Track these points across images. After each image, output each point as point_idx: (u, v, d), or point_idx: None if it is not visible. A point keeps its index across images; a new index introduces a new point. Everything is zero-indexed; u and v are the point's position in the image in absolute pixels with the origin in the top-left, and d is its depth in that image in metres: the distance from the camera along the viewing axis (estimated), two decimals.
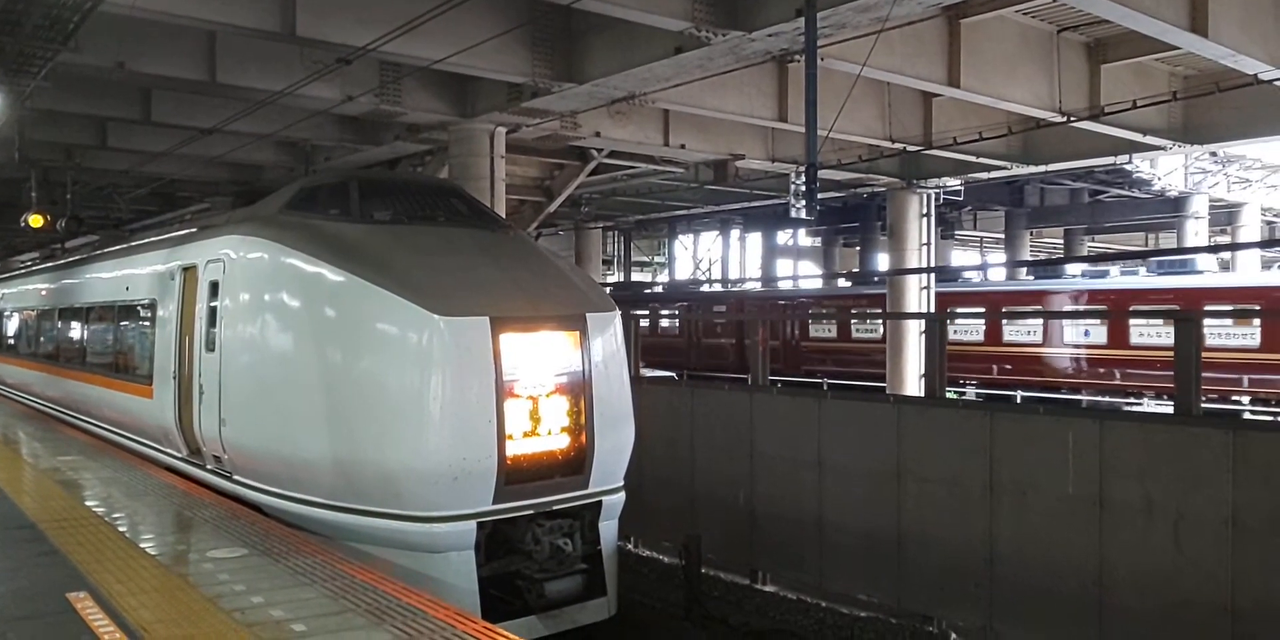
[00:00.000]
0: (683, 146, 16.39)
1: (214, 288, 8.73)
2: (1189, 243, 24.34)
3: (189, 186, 21.77)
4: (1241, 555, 7.33)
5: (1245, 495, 7.31)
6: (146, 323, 10.59)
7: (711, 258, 41.22)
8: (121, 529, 6.76)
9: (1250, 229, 26.36)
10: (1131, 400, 19.11)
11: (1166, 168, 22.75)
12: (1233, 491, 7.37)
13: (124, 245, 13.35)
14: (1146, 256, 24.53)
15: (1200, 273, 19.28)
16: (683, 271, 42.28)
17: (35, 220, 15.68)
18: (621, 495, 8.12)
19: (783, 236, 37.75)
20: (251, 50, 11.93)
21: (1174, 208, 25.22)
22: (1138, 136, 15.11)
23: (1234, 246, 24.25)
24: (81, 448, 10.68)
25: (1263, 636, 7.22)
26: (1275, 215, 30.33)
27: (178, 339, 9.43)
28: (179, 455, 9.47)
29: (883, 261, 25.10)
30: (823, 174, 17.88)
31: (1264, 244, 24.52)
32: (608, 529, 7.98)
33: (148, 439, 10.34)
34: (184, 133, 14.88)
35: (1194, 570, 7.59)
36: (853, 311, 24.91)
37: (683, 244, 41.77)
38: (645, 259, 45.24)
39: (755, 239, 38.48)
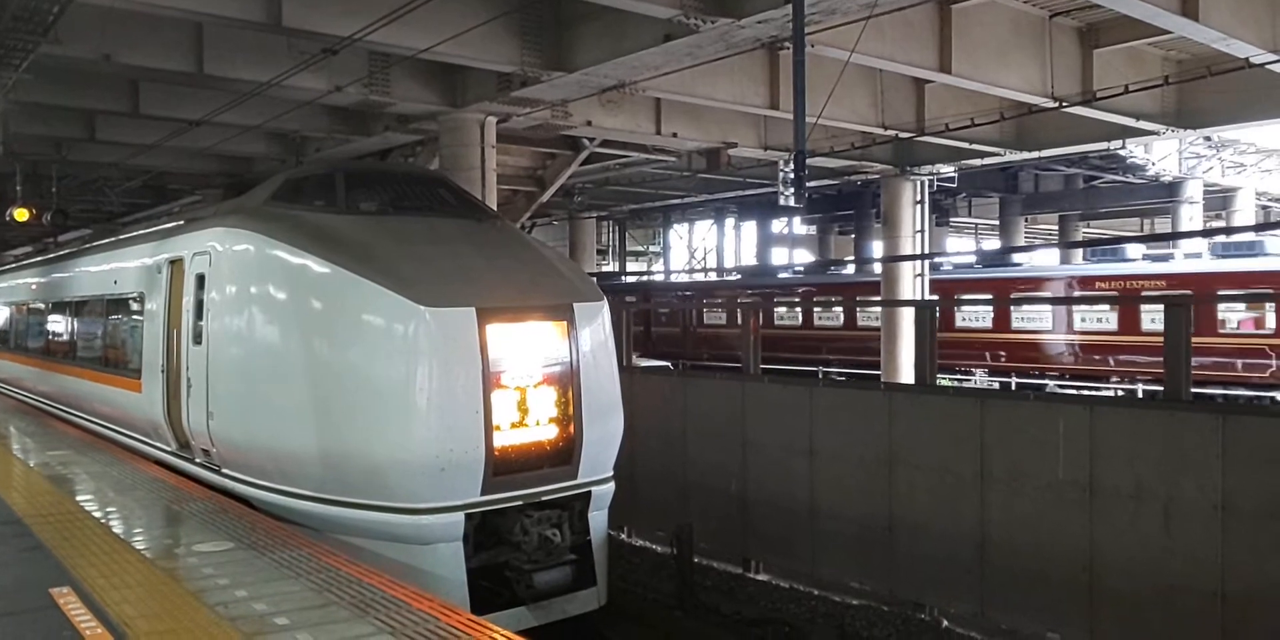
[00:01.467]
0: (674, 135, 16.31)
1: (200, 280, 8.70)
2: (1184, 228, 24.32)
3: (180, 179, 21.68)
4: (1231, 540, 7.34)
5: (1234, 480, 7.30)
6: (134, 316, 10.55)
7: (707, 247, 41.18)
8: (108, 523, 6.74)
9: (1245, 213, 26.36)
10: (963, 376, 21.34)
11: (1160, 153, 22.72)
12: (1222, 476, 7.36)
13: (112, 239, 13.29)
14: (1142, 241, 24.56)
15: (1019, 265, 22.73)
16: (678, 261, 42.22)
17: (20, 214, 15.61)
18: (611, 485, 8.10)
19: (778, 225, 37.70)
20: (239, 41, 11.85)
21: (1169, 193, 25.21)
22: (1131, 121, 15.07)
23: (1229, 230, 24.22)
24: (71, 442, 10.65)
25: (1252, 620, 7.23)
26: (1270, 200, 30.31)
27: (165, 332, 9.40)
28: (168, 449, 9.45)
29: (877, 249, 25.14)
30: (816, 162, 18.01)
31: (1258, 227, 24.48)
32: (597, 519, 7.97)
33: (137, 433, 10.32)
34: (173, 125, 14.80)
35: (1184, 555, 7.60)
36: (739, 301, 27.93)
37: (677, 233, 41.70)
38: (640, 248, 45.16)
39: (751, 227, 38.44)
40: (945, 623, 9.27)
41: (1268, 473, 7.16)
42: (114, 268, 11.69)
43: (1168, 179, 24.54)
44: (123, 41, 11.27)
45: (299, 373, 7.41)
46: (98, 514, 7.02)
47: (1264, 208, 31.17)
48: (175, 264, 9.40)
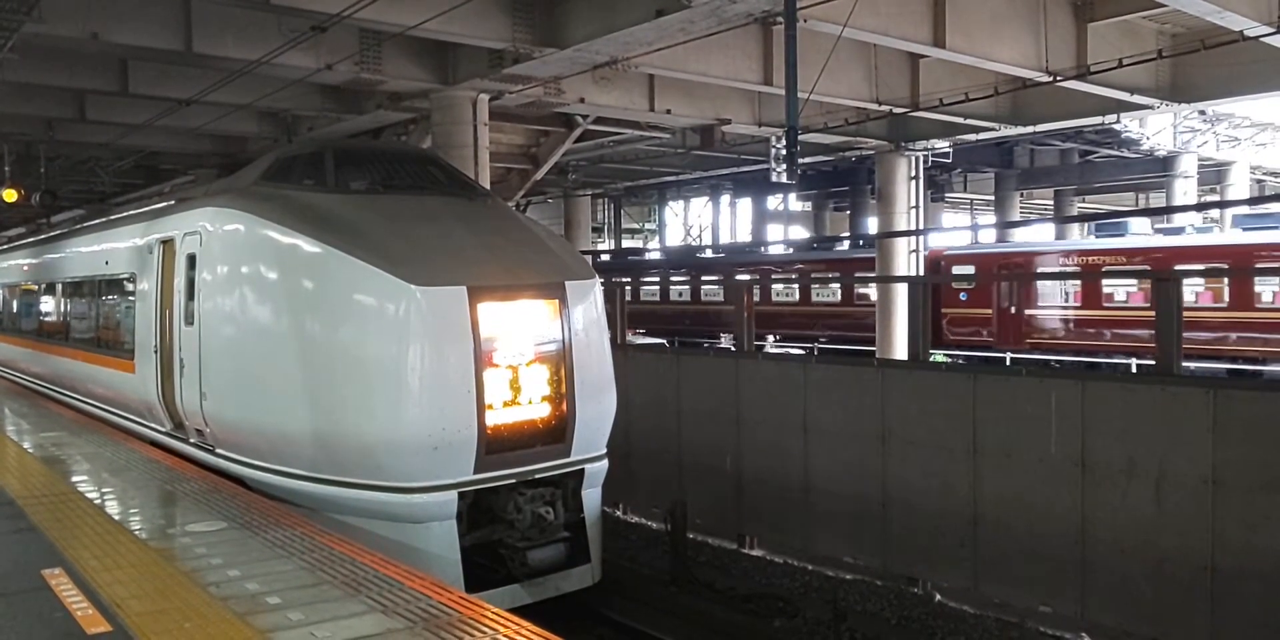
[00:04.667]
0: (668, 112, 16.23)
1: (191, 261, 8.67)
2: (1178, 202, 24.29)
3: (173, 159, 21.58)
4: (1221, 513, 7.37)
5: (1224, 454, 7.33)
6: (127, 297, 10.53)
7: (702, 224, 41.10)
8: (101, 504, 6.76)
9: (1238, 188, 26.33)
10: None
11: (1155, 127, 22.65)
12: (1212, 450, 7.39)
13: (103, 219, 13.24)
14: (1136, 216, 24.57)
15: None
16: (673, 238, 42.14)
17: (8, 194, 15.55)
18: (604, 463, 8.13)
19: (773, 202, 37.59)
20: (228, 19, 11.76)
21: (1163, 167, 25.17)
22: (1125, 96, 14.99)
23: (1222, 204, 24.20)
24: (65, 424, 10.66)
25: (1241, 593, 7.28)
26: (1265, 173, 30.25)
27: (158, 313, 9.38)
28: (162, 430, 9.46)
29: (872, 225, 25.16)
30: (811, 138, 17.94)
31: (1251, 201, 24.46)
32: (591, 497, 8.01)
33: (131, 414, 10.33)
34: (164, 104, 14.70)
35: (1174, 528, 7.63)
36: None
37: (673, 210, 41.60)
38: (636, 226, 45.07)
39: (746, 204, 38.34)
40: (938, 597, 9.33)
41: (1257, 446, 7.19)
42: (105, 248, 11.65)
43: (1162, 153, 24.49)
44: (110, 19, 11.18)
45: (291, 352, 7.40)
46: (91, 495, 7.03)
47: (1259, 181, 31.13)
48: (166, 244, 9.36)
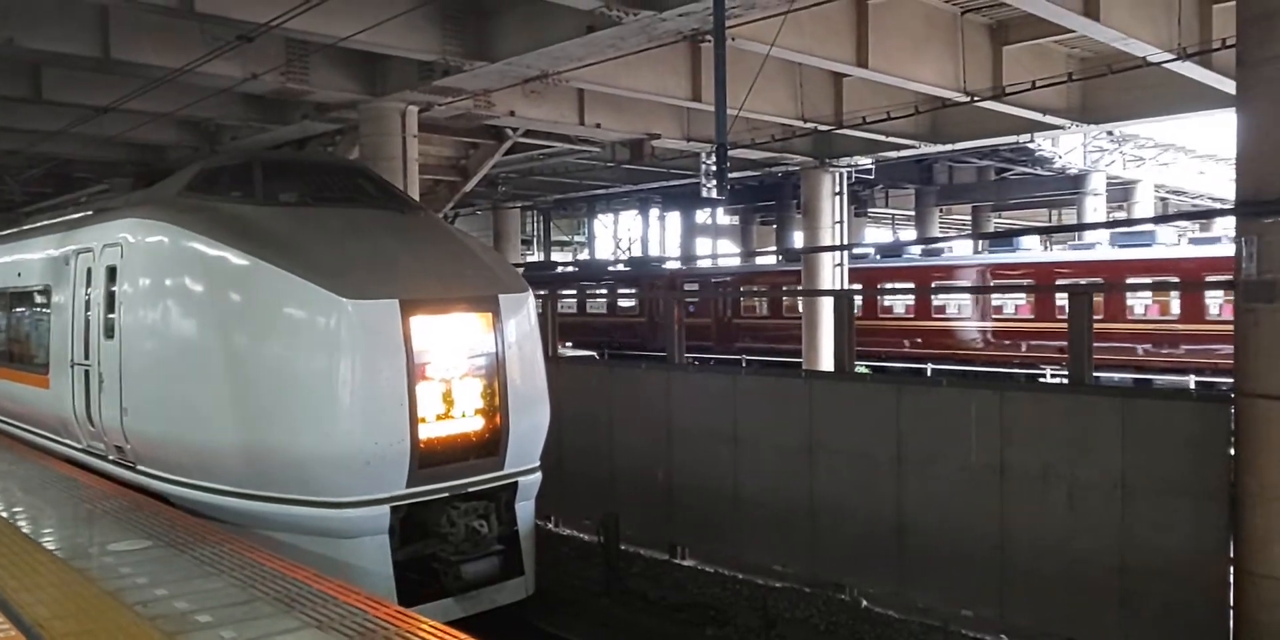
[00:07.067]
0: (598, 126, 16.36)
1: (111, 273, 8.46)
2: (1088, 219, 25.27)
3: (86, 167, 20.96)
4: (1130, 516, 7.70)
5: (1132, 459, 7.66)
6: (41, 310, 10.21)
7: (632, 237, 41.32)
8: (16, 523, 6.54)
9: (1144, 205, 27.50)
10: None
11: (1067, 146, 23.56)
12: (1121, 456, 7.72)
13: (14, 230, 12.80)
14: (1052, 231, 25.48)
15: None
16: (603, 251, 42.28)
17: None
18: (538, 475, 8.15)
19: (702, 215, 38.00)
20: (148, 25, 11.53)
21: (1074, 185, 26.16)
22: (1038, 116, 15.60)
23: (1130, 222, 25.23)
24: None
25: (1148, 591, 7.61)
26: (1169, 191, 31.63)
27: (74, 326, 9.12)
28: (79, 446, 9.19)
29: (798, 239, 25.67)
30: (738, 153, 18.24)
31: (1157, 220, 25.55)
32: (524, 509, 8.02)
33: (46, 430, 10.00)
34: (78, 111, 14.30)
35: (1086, 532, 7.94)
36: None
37: (602, 223, 41.75)
38: (565, 238, 45.10)
39: (675, 218, 38.67)
40: (865, 603, 9.53)
41: (1161, 452, 7.54)
42: (16, 260, 11.28)
43: (1074, 172, 25.47)
44: (26, 24, 10.88)
45: (218, 367, 7.28)
46: (4, 514, 6.80)
47: (1162, 199, 32.52)
48: (84, 256, 9.11)
